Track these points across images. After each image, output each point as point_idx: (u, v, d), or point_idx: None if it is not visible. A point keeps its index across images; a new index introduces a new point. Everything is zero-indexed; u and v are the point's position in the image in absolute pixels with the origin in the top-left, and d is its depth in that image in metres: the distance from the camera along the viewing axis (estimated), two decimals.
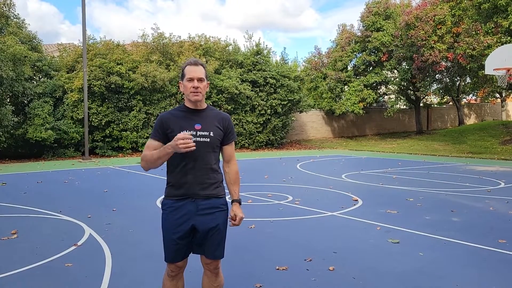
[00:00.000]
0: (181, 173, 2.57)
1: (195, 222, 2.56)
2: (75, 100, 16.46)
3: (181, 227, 2.56)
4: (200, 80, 2.56)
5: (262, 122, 20.65)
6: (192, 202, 2.57)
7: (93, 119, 16.70)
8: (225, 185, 2.74)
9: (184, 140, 2.33)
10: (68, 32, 72.67)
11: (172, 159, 2.55)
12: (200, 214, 2.57)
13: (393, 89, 27.78)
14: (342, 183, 9.77)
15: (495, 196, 8.04)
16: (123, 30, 75.90)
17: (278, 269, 4.06)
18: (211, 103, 19.08)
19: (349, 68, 25.85)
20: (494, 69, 14.27)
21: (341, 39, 25.87)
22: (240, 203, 2.73)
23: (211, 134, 2.60)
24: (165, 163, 2.60)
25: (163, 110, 17.95)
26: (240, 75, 20.27)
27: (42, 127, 15.35)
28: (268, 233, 5.36)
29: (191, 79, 2.55)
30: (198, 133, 2.57)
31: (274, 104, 20.48)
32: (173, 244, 2.59)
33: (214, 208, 2.61)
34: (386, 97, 29.19)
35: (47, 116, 15.76)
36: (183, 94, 2.63)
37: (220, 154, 2.75)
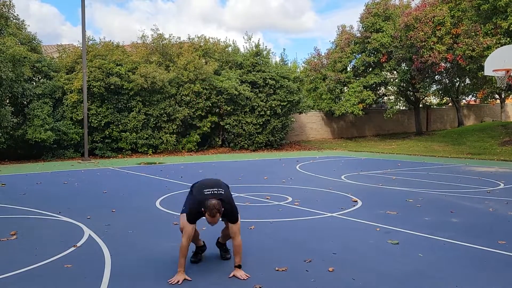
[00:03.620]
0: None
1: None
2: (75, 101, 16.46)
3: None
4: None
5: (261, 123, 20.62)
6: None
7: (93, 120, 16.69)
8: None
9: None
10: (70, 34, 72.49)
11: None
12: None
13: (392, 90, 27.76)
14: (341, 184, 9.76)
15: (495, 197, 8.05)
16: (124, 31, 75.76)
17: (277, 270, 4.06)
18: (210, 104, 19.10)
19: (348, 69, 25.82)
20: (493, 70, 14.25)
21: (341, 40, 25.85)
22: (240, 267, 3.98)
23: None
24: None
25: (162, 111, 18.02)
26: (240, 76, 20.24)
27: (41, 128, 15.34)
28: (267, 234, 5.36)
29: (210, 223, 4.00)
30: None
31: (273, 105, 20.46)
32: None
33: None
34: (385, 98, 29.18)
35: (47, 117, 15.76)
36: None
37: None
